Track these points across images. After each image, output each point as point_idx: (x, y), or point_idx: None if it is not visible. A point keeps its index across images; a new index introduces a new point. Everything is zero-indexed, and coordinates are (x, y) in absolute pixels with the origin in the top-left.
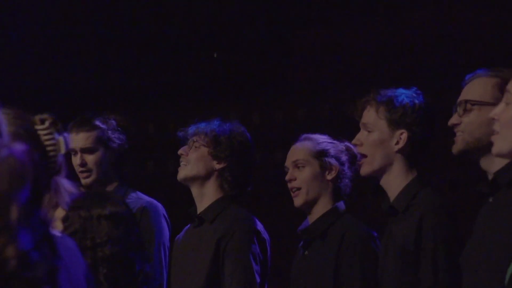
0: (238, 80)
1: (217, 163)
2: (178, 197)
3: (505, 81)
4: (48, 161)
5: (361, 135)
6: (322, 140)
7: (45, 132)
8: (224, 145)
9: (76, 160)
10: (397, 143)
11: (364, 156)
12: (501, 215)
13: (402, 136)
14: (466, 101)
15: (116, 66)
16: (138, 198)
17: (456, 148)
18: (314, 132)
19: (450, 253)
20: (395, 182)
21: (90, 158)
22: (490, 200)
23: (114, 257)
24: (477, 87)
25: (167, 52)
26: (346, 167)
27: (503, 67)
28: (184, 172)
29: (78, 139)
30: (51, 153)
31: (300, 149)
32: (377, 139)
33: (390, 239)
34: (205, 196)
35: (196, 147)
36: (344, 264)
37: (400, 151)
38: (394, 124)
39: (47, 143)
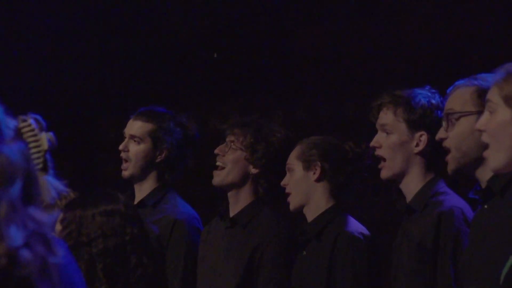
0: (238, 80)
1: (253, 168)
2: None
3: (483, 88)
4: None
5: (380, 137)
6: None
7: (27, 129)
8: (260, 152)
9: (122, 145)
10: (417, 145)
11: (383, 159)
12: (496, 221)
13: (422, 138)
14: (448, 114)
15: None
16: (175, 207)
17: (449, 168)
18: (315, 133)
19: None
20: (413, 183)
21: (133, 148)
22: (485, 207)
23: (109, 251)
24: (456, 98)
25: (170, 52)
26: (334, 167)
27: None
28: (219, 178)
29: (132, 125)
30: (34, 150)
31: (291, 153)
32: (396, 141)
33: (404, 238)
34: (240, 199)
35: (233, 148)
36: (336, 264)
37: (420, 153)
38: (414, 125)
39: (29, 139)
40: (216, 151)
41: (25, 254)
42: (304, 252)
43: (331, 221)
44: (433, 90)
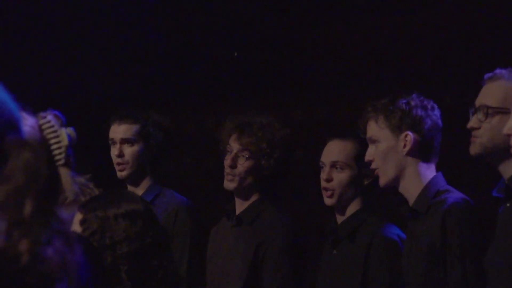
0: (258, 79)
1: (264, 171)
2: (213, 195)
3: None
4: (52, 153)
5: (371, 150)
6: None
7: (47, 125)
8: (273, 158)
9: (114, 151)
10: (404, 146)
11: (378, 169)
12: None
13: (407, 138)
14: (488, 107)
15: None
16: (172, 198)
17: (473, 150)
18: (333, 132)
19: (476, 248)
20: (412, 185)
21: (128, 150)
22: (508, 205)
23: (133, 254)
24: (497, 91)
25: (185, 50)
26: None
27: None
28: (233, 185)
29: (120, 130)
30: (55, 146)
31: (339, 150)
32: (384, 148)
33: (413, 241)
34: (246, 198)
35: (243, 157)
36: (372, 268)
37: (409, 153)
38: (396, 128)
39: (50, 135)
40: (227, 162)
41: (47, 251)
42: (335, 251)
43: (364, 222)
44: (414, 94)
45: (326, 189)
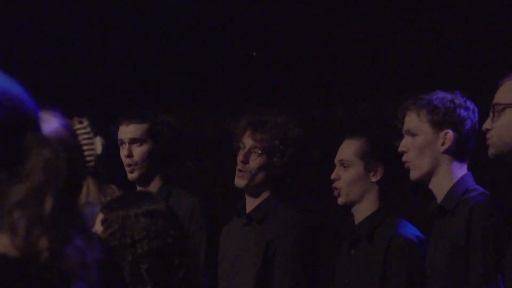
0: (276, 79)
1: (276, 169)
2: (224, 194)
3: None
4: (84, 159)
5: (406, 141)
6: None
7: (82, 131)
8: (286, 156)
9: (123, 151)
10: (443, 143)
11: (411, 161)
12: None
13: (447, 136)
14: (495, 105)
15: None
16: (185, 198)
17: (490, 152)
18: (353, 130)
19: (500, 247)
20: (442, 182)
21: (137, 150)
22: None
23: (153, 252)
24: (504, 89)
25: (203, 51)
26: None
27: None
28: (244, 182)
29: (128, 130)
30: (87, 152)
31: (346, 148)
32: (422, 142)
33: (439, 238)
34: (257, 196)
35: (256, 153)
36: (390, 268)
37: (446, 151)
38: (438, 125)
39: (84, 142)
40: (239, 158)
41: (67, 248)
42: (353, 251)
43: (382, 222)
44: (457, 91)
45: (334, 188)
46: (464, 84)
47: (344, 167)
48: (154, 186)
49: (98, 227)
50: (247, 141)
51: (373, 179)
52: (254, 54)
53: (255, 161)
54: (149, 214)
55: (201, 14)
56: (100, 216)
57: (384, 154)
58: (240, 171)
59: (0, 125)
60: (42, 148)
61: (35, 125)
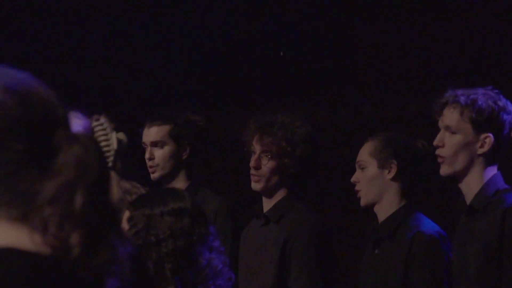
0: (304, 78)
1: (289, 169)
2: (242, 195)
3: None
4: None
5: (443, 136)
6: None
7: (99, 128)
8: (297, 156)
9: (146, 154)
10: (482, 146)
11: (443, 157)
12: None
13: (487, 140)
14: None
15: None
16: (211, 198)
17: None
18: (380, 130)
19: None
20: (474, 182)
21: (158, 153)
22: None
23: (178, 251)
24: None
25: (231, 50)
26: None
27: None
28: (260, 186)
29: (149, 133)
30: (105, 148)
31: (362, 150)
32: (461, 141)
33: (468, 238)
34: (273, 196)
35: (266, 157)
36: (413, 266)
37: (483, 154)
38: (480, 127)
39: (101, 138)
40: (251, 164)
41: (99, 245)
42: (376, 251)
43: (404, 220)
44: (496, 91)
45: (355, 191)
46: (495, 85)
47: (362, 168)
48: (179, 186)
49: (124, 225)
50: (257, 146)
51: (389, 176)
52: (281, 54)
53: (266, 166)
54: (174, 213)
55: (231, 14)
56: (127, 214)
57: (395, 149)
58: (254, 175)
59: (30, 123)
60: (72, 145)
61: (65, 123)
